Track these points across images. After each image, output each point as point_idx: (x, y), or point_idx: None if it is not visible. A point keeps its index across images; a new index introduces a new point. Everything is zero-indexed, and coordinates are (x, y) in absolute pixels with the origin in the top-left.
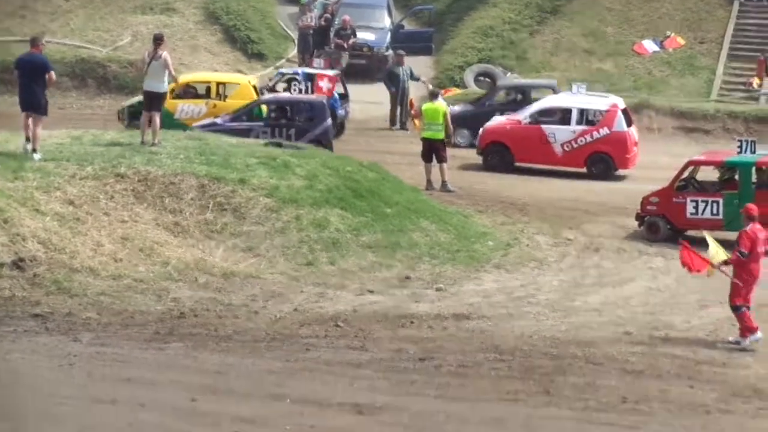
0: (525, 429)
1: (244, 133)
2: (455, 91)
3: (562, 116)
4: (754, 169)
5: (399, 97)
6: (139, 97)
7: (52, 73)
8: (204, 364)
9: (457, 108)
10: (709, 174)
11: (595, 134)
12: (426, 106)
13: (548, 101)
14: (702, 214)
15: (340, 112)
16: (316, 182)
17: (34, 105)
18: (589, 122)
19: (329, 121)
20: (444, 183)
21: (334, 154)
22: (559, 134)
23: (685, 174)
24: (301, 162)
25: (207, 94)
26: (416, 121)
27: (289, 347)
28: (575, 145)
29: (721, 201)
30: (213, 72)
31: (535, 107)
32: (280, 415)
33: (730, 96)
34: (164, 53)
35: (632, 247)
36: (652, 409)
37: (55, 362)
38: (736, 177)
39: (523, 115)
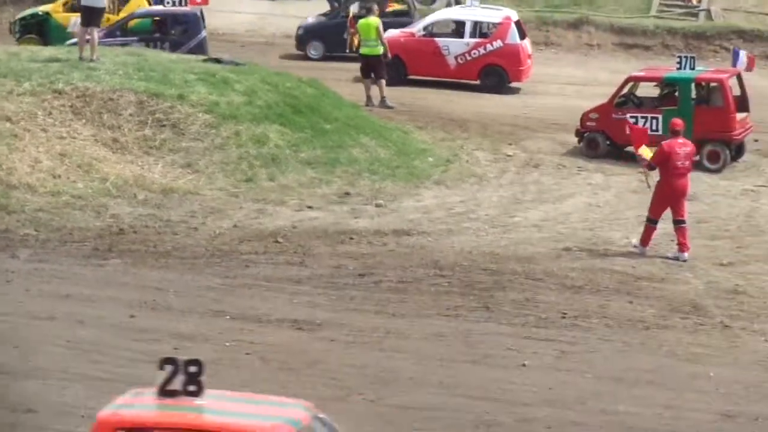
0: (465, 344)
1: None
2: (395, 7)
3: (456, 29)
4: (693, 85)
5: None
6: (32, 10)
7: None
8: (143, 281)
9: (309, 20)
10: (648, 90)
11: (489, 47)
12: (360, 21)
13: (442, 14)
14: None
15: None
16: (255, 98)
17: None
18: (483, 35)
19: (204, 32)
20: (383, 99)
21: (273, 70)
22: (453, 47)
23: (625, 90)
24: (240, 78)
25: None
26: (355, 38)
27: (228, 263)
28: (469, 58)
29: (660, 117)
30: None
31: (428, 20)
32: (219, 332)
33: (669, 12)
34: None
35: (572, 163)
36: (591, 325)
37: None
38: (676, 93)
39: (417, 28)
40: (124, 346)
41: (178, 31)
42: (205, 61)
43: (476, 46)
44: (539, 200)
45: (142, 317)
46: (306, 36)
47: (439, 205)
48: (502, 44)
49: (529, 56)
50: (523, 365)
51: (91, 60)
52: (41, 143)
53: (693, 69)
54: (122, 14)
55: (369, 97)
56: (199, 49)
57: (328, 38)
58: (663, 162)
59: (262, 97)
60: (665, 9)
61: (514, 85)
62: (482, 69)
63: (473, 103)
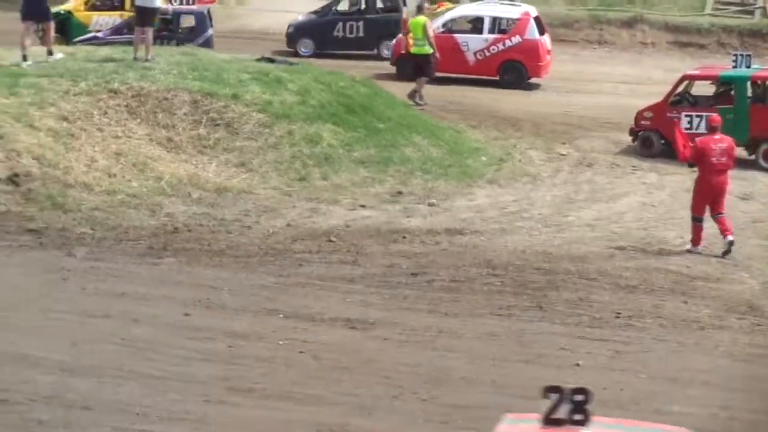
0: (518, 344)
1: (127, 45)
2: (447, 6)
3: (475, 25)
4: (749, 83)
5: None
6: (54, 9)
7: None
8: (197, 279)
9: (300, 18)
10: (703, 89)
11: (507, 42)
12: (410, 20)
13: (461, 10)
14: (696, 128)
15: None
16: (308, 97)
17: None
18: (502, 31)
19: (210, 31)
20: (418, 94)
21: (325, 69)
22: (472, 43)
23: (680, 89)
24: (293, 77)
25: (122, 6)
26: (408, 38)
27: (281, 262)
28: (488, 54)
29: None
30: None
31: (447, 16)
32: (273, 330)
33: (724, 10)
34: None
35: (626, 162)
36: (645, 325)
37: (49, 277)
38: (731, 92)
39: (436, 25)
40: (179, 344)
41: (184, 29)
42: (258, 60)
43: (495, 42)
44: (593, 199)
45: (196, 315)
46: (296, 34)
47: (492, 204)
48: (521, 40)
49: (548, 52)
50: (577, 365)
51: (146, 60)
52: (97, 142)
53: (749, 67)
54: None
55: (421, 96)
56: (205, 46)
57: (318, 36)
58: (699, 158)
59: (315, 96)
60: (720, 7)
61: (556, 83)
62: (501, 65)
63: (525, 101)
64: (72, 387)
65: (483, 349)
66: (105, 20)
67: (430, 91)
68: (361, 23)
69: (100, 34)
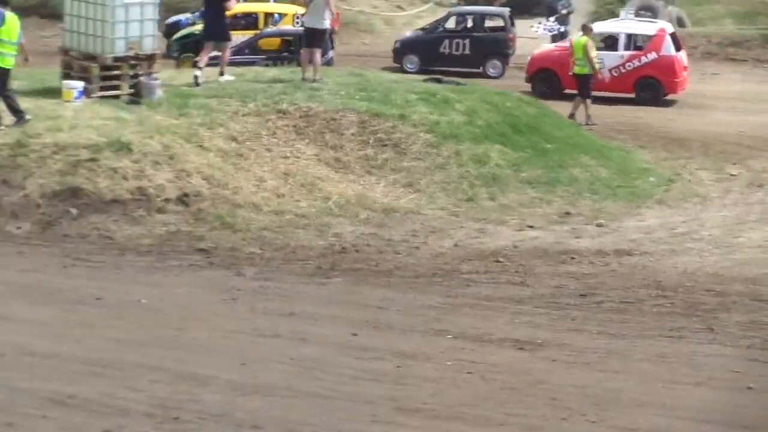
0: (688, 366)
1: (247, 65)
2: None
3: (610, 42)
4: None
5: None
6: (188, 30)
7: (230, 2)
8: (365, 299)
9: (408, 34)
10: None
11: (643, 59)
12: (574, 40)
13: (596, 27)
14: None
15: None
16: (475, 118)
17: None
18: (637, 47)
19: (331, 53)
20: (572, 115)
21: (492, 89)
22: (607, 60)
23: None
24: (461, 97)
25: (256, 25)
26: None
27: (449, 282)
28: (623, 70)
29: None
30: (263, 2)
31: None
32: (441, 351)
33: None
34: None
35: None
36: None
37: (219, 296)
38: None
39: (567, 42)
40: (346, 363)
41: None
42: (425, 81)
43: (630, 58)
44: (764, 220)
45: (364, 335)
46: (403, 49)
47: (661, 224)
48: (656, 56)
49: (685, 68)
50: (749, 388)
51: (314, 80)
52: (266, 163)
53: None
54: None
55: (588, 116)
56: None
57: (424, 52)
58: None
59: (482, 116)
60: None
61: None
62: (637, 81)
63: (693, 121)
64: (241, 406)
65: (652, 370)
66: (240, 39)
67: (596, 111)
68: (467, 41)
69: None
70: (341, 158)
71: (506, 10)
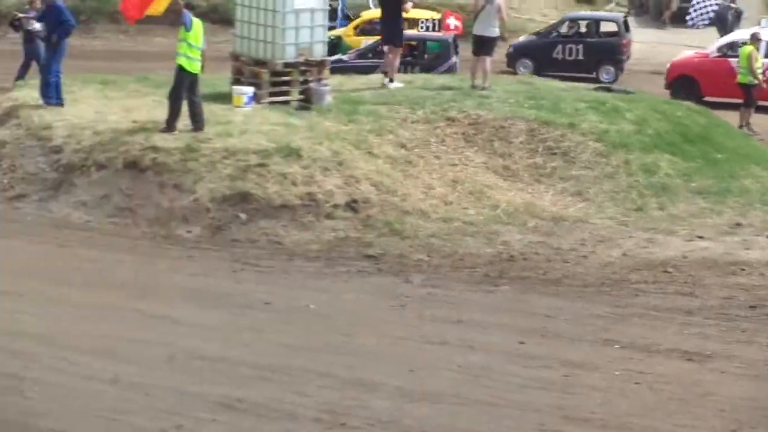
0: None
1: (370, 70)
2: None
3: None
4: None
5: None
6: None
7: (407, 5)
8: (532, 308)
9: (522, 38)
10: None
11: None
12: (741, 48)
13: (737, 35)
14: None
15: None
16: (645, 127)
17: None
18: None
19: (454, 58)
20: (742, 125)
21: (662, 98)
22: None
23: None
24: (630, 106)
25: None
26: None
27: (618, 292)
28: (764, 78)
29: None
30: None
31: (723, 41)
32: (608, 360)
33: None
34: None
35: None
36: None
37: (387, 303)
38: None
39: (711, 49)
40: (514, 372)
41: (430, 56)
42: (595, 89)
43: None
44: None
45: (531, 344)
46: (516, 54)
47: None
48: None
49: None
50: None
51: (483, 88)
52: (434, 170)
53: None
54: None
55: (748, 125)
56: (447, 74)
57: (537, 56)
58: None
59: (652, 125)
60: None
61: None
62: None
63: None
64: (409, 413)
65: None
66: (366, 44)
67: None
68: (581, 46)
69: (345, 57)
70: (510, 166)
71: (620, 16)
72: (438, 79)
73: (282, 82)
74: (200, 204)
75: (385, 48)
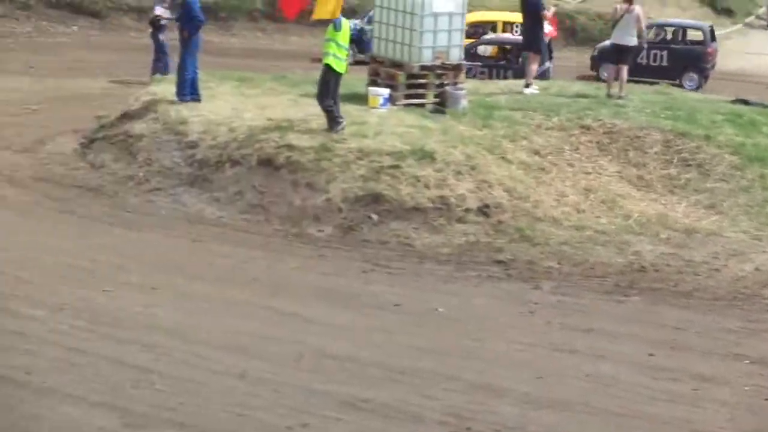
0: None
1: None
2: None
3: None
4: None
5: None
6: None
7: (545, 12)
8: (662, 320)
9: (607, 42)
10: None
11: None
12: None
13: None
14: None
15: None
16: None
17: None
18: None
19: (548, 63)
20: None
21: None
22: None
23: None
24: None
25: (484, 34)
26: None
27: (749, 307)
28: None
29: None
30: (497, 11)
31: None
32: (738, 375)
33: None
34: (637, 7)
35: None
36: None
37: (516, 309)
38: None
39: None
40: (643, 383)
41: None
42: (732, 102)
43: None
44: None
45: (661, 356)
46: (600, 58)
47: None
48: None
49: None
50: None
51: (619, 97)
52: (567, 177)
53: None
54: None
55: None
56: (541, 78)
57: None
58: None
59: None
60: None
61: None
62: None
63: None
64: (536, 419)
65: None
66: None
67: None
68: (665, 53)
69: None
70: (644, 176)
71: (707, 24)
72: (573, 86)
73: (418, 84)
74: (332, 203)
75: (527, 54)
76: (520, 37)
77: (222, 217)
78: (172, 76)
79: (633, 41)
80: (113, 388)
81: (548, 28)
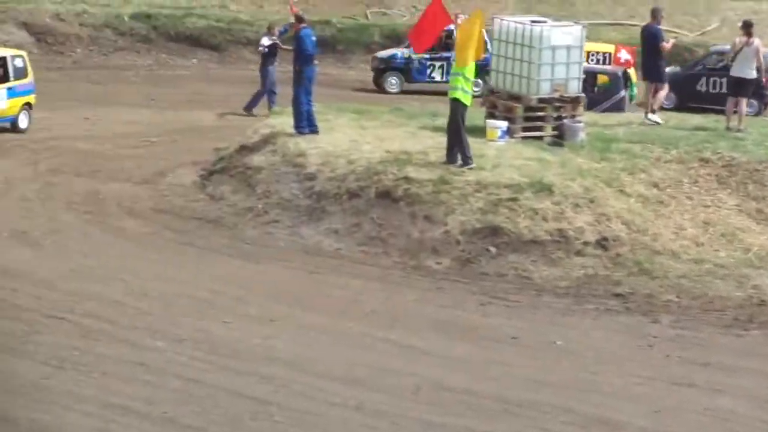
0: None
1: None
2: None
3: None
4: None
5: None
6: None
7: (664, 43)
8: None
9: (667, 70)
10: None
11: None
12: None
13: None
14: None
15: None
16: None
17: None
18: None
19: (623, 92)
20: None
21: None
22: None
23: None
24: None
25: None
26: None
27: None
28: None
29: None
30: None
31: None
32: None
33: None
34: (756, 40)
35: None
36: None
37: (634, 342)
38: None
39: None
40: (762, 417)
41: (599, 90)
42: None
43: None
44: None
45: None
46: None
47: None
48: None
49: None
50: None
51: (738, 130)
52: (686, 210)
53: None
54: None
55: None
56: (616, 109)
57: (680, 88)
58: None
59: None
60: None
61: None
62: None
63: None
64: None
65: None
66: None
67: None
68: (725, 80)
69: None
70: (763, 209)
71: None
72: (692, 119)
73: (536, 117)
74: (450, 236)
75: (650, 85)
76: (596, 66)
77: (340, 249)
78: (290, 109)
79: (752, 74)
80: (232, 419)
81: (626, 57)
